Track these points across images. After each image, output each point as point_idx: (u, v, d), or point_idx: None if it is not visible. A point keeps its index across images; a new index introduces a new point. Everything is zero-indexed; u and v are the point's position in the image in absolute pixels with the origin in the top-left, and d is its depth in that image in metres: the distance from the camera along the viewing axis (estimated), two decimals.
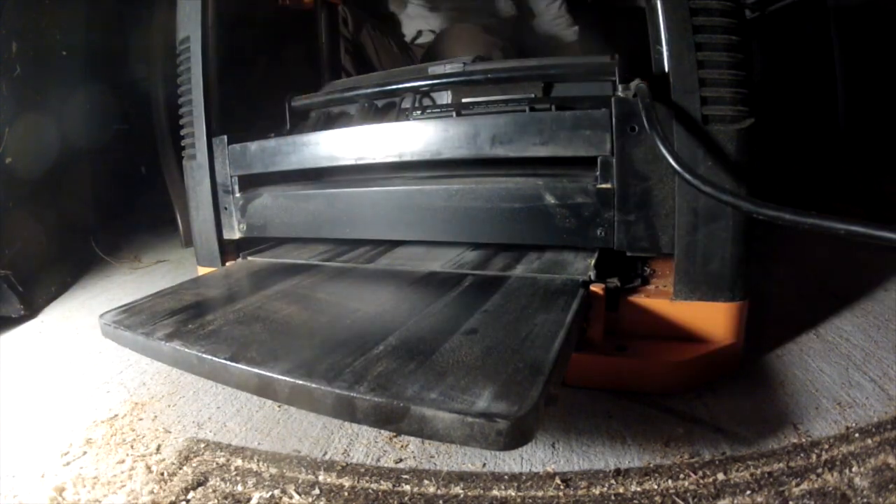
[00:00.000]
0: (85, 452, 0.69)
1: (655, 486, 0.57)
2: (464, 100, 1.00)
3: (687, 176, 0.64)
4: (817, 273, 1.18)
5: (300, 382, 0.52)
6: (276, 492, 0.60)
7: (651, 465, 0.60)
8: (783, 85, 1.86)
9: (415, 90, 1.01)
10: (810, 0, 1.82)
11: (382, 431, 0.69)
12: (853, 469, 0.57)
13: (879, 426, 0.63)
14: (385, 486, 0.60)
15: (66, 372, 0.95)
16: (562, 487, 0.58)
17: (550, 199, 0.81)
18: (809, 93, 1.87)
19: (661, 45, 0.74)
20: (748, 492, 0.55)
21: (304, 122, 1.16)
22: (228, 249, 1.11)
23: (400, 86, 1.01)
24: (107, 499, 0.60)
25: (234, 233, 1.09)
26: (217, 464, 0.65)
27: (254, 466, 0.64)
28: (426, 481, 0.60)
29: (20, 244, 1.35)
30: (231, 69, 1.11)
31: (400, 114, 1.00)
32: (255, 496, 0.59)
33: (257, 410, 0.77)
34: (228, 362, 0.58)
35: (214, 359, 0.59)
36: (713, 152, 0.71)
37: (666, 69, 0.73)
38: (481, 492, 0.58)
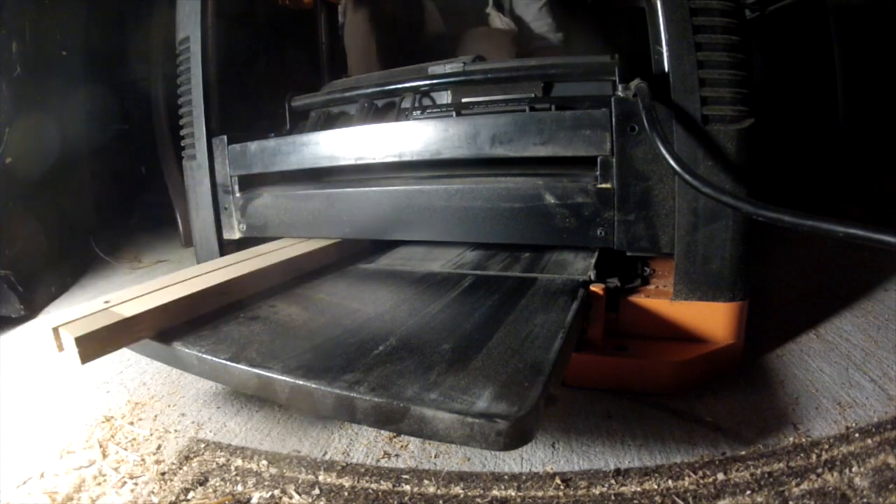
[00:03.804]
0: (85, 452, 0.69)
1: (655, 486, 0.57)
2: (464, 100, 1.00)
3: (687, 176, 0.64)
4: (817, 273, 1.18)
5: (300, 383, 0.52)
6: (276, 492, 0.60)
7: (651, 465, 0.60)
8: (783, 85, 1.86)
9: (415, 90, 1.01)
10: (810, 0, 1.82)
11: (382, 431, 0.69)
12: (853, 469, 0.57)
13: (879, 426, 0.63)
14: (385, 486, 0.60)
15: (66, 372, 0.95)
16: (562, 487, 0.58)
17: (550, 199, 0.81)
18: (809, 93, 1.87)
19: (661, 45, 0.74)
20: (748, 492, 0.55)
21: (304, 122, 1.16)
22: (228, 249, 1.11)
23: (400, 86, 1.01)
24: (107, 499, 0.60)
25: (234, 233, 1.09)
26: (217, 464, 0.65)
27: (254, 466, 0.65)
28: (426, 481, 0.60)
29: (20, 244, 1.35)
30: (231, 69, 1.11)
31: (400, 114, 1.00)
32: (255, 496, 0.59)
33: (257, 410, 0.77)
34: (228, 362, 0.58)
35: (214, 359, 0.59)
36: (713, 152, 0.71)
37: (666, 69, 0.73)
38: (481, 492, 0.58)
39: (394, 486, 0.60)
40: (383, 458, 0.65)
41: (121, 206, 1.98)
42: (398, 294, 0.79)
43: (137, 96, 1.87)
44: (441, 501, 0.57)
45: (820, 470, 0.57)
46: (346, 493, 0.59)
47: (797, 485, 0.55)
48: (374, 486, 0.60)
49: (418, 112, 1.00)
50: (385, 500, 0.58)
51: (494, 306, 0.70)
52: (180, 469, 0.65)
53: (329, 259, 0.97)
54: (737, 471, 0.58)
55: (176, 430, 0.74)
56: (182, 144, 1.11)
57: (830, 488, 0.54)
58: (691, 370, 0.74)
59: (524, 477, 0.60)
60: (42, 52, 1.48)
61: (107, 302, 0.68)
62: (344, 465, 0.64)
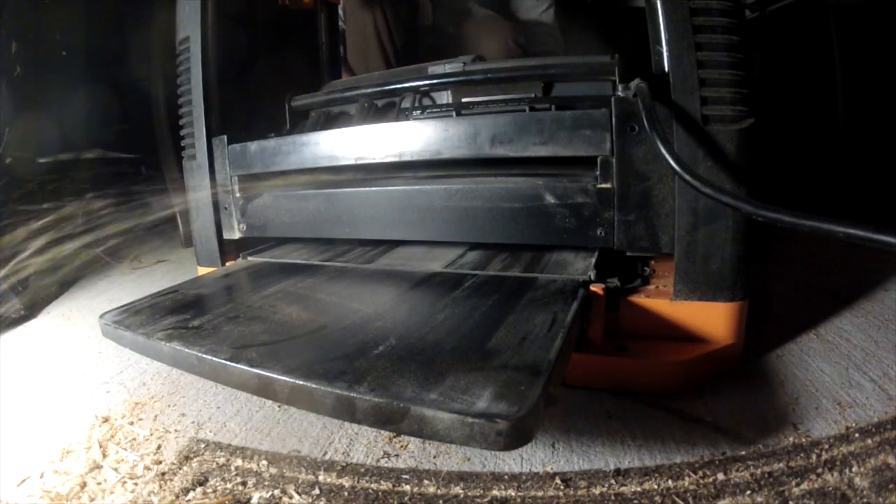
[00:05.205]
0: (85, 452, 0.69)
1: (655, 486, 0.57)
2: (464, 99, 1.00)
3: (686, 177, 0.64)
4: (817, 273, 1.18)
5: (300, 382, 0.52)
6: (276, 492, 0.60)
7: (651, 465, 0.60)
8: (783, 85, 1.86)
9: (415, 90, 1.01)
10: (810, 0, 1.82)
11: (382, 431, 0.69)
12: (853, 469, 0.57)
13: (879, 426, 0.63)
14: (385, 486, 0.60)
15: (66, 372, 0.95)
16: (562, 487, 0.58)
17: (550, 199, 0.81)
18: (809, 92, 1.87)
19: (661, 45, 0.74)
20: (748, 492, 0.55)
21: (304, 122, 1.16)
22: (228, 249, 1.11)
23: (400, 86, 1.01)
24: (107, 499, 0.60)
25: (234, 233, 1.09)
26: (217, 464, 0.65)
27: (254, 466, 0.65)
28: (426, 481, 0.60)
29: (20, 244, 1.35)
30: (231, 69, 1.11)
31: (400, 114, 1.00)
32: (255, 496, 0.59)
33: (257, 410, 0.77)
34: (228, 362, 0.58)
35: (214, 359, 0.59)
36: (713, 152, 0.71)
37: (666, 69, 0.73)
38: (481, 492, 0.58)
39: (394, 486, 0.60)
40: (383, 458, 0.65)
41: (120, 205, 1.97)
42: (398, 294, 0.79)
43: (137, 96, 1.86)
44: (441, 501, 0.57)
45: (820, 470, 0.57)
46: (346, 493, 0.59)
47: (797, 485, 0.55)
48: (374, 486, 0.60)
49: (418, 112, 1.00)
50: (385, 500, 0.58)
51: (494, 306, 0.70)
52: (180, 469, 0.65)
53: None
54: (737, 471, 0.58)
55: (176, 430, 0.74)
56: (182, 144, 1.11)
57: (830, 488, 0.54)
58: (691, 370, 0.74)
59: (524, 477, 0.60)
60: (42, 52, 1.48)
61: None
62: (344, 465, 0.64)
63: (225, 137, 1.05)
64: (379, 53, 1.54)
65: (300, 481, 0.61)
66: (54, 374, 0.95)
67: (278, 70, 1.30)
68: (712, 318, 0.76)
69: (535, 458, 0.63)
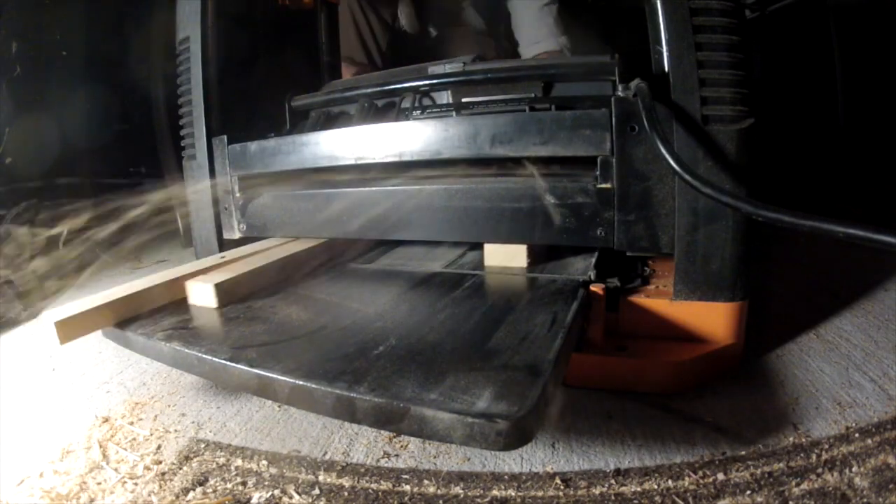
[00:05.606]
0: (84, 452, 0.69)
1: (655, 486, 0.57)
2: (464, 99, 1.00)
3: (686, 177, 0.64)
4: (817, 273, 1.18)
5: (300, 383, 0.52)
6: (276, 492, 0.60)
7: (651, 465, 0.60)
8: (783, 85, 1.86)
9: (415, 90, 1.01)
10: (810, 0, 1.82)
11: (382, 431, 0.69)
12: (853, 469, 0.57)
13: (879, 426, 0.63)
14: (385, 486, 0.60)
15: (67, 372, 0.95)
16: (562, 487, 0.58)
17: (550, 199, 0.81)
18: (809, 93, 1.87)
19: (661, 45, 0.74)
20: (748, 492, 0.55)
21: (304, 122, 1.16)
22: (228, 249, 1.11)
23: (400, 86, 1.01)
24: (107, 499, 0.60)
25: (234, 233, 1.09)
26: (217, 464, 0.65)
27: (254, 466, 0.65)
28: (426, 481, 0.60)
29: (21, 244, 1.35)
30: (231, 69, 1.11)
31: (400, 113, 1.00)
32: (255, 496, 0.59)
33: (257, 410, 0.77)
34: (228, 362, 0.58)
35: (214, 359, 0.59)
36: (713, 152, 0.71)
37: (666, 69, 0.73)
38: (481, 492, 0.58)
39: (394, 486, 0.60)
40: (383, 458, 0.65)
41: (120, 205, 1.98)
42: (398, 294, 0.79)
43: (137, 96, 1.86)
44: (441, 501, 0.57)
45: (820, 470, 0.57)
46: (346, 493, 0.59)
47: (797, 485, 0.55)
48: (374, 486, 0.60)
49: (418, 112, 1.00)
50: (385, 500, 0.58)
51: (494, 306, 0.70)
52: (180, 469, 0.65)
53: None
54: (737, 471, 0.58)
55: (176, 430, 0.74)
56: (182, 144, 1.11)
57: (830, 488, 0.54)
58: (691, 370, 0.74)
59: (524, 477, 0.60)
60: (42, 52, 1.48)
61: None
62: (344, 465, 0.64)
63: (225, 137, 1.05)
64: (363, 54, 1.55)
65: (300, 481, 0.61)
66: (54, 374, 0.95)
67: (278, 70, 1.30)
68: (712, 318, 0.76)
69: (535, 458, 0.63)
